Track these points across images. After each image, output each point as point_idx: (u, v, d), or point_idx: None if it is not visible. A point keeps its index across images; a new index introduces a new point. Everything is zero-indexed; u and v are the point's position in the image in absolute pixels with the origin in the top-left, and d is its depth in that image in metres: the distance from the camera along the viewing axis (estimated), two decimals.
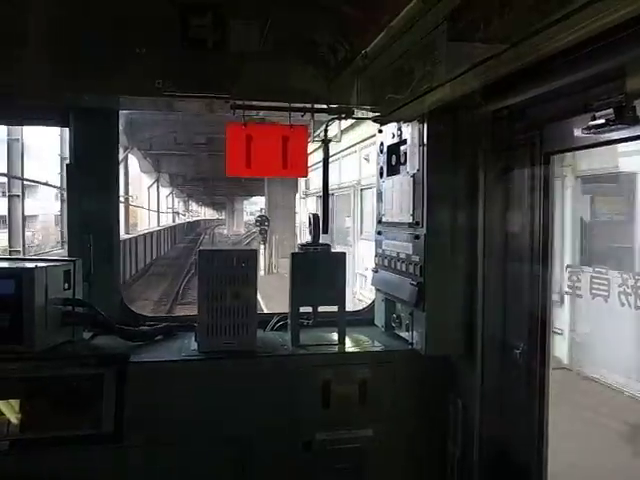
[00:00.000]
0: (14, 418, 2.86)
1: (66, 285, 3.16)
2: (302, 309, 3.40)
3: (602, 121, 2.04)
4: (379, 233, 3.65)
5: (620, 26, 1.65)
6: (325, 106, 3.77)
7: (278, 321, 3.67)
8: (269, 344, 3.36)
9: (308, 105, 3.73)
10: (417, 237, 3.01)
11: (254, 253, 3.22)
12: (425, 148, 2.97)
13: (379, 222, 3.65)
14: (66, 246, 3.62)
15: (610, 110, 2.01)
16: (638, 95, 1.91)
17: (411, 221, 3.08)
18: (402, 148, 3.26)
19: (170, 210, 59.45)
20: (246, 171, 3.86)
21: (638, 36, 1.71)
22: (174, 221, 59.88)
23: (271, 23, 3.46)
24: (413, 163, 3.08)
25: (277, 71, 3.65)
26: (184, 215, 69.93)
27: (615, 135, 2.05)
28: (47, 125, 3.54)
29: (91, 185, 3.52)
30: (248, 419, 3.09)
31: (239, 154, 3.69)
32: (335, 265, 3.33)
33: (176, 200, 66.45)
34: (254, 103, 3.69)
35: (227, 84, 3.54)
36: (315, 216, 3.45)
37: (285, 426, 3.14)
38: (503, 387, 2.85)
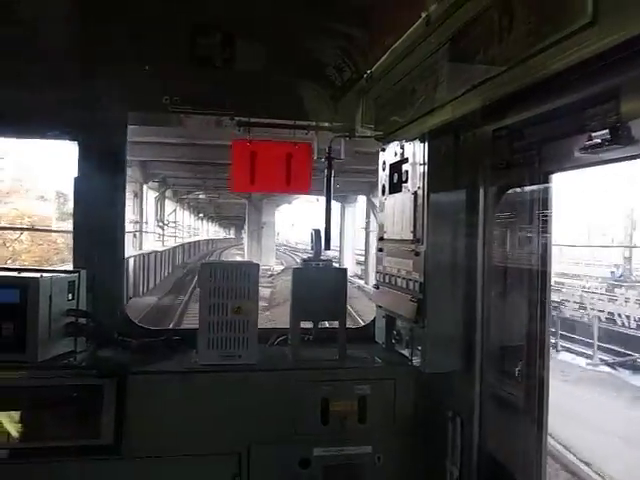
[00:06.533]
0: (14, 427, 2.87)
1: (70, 296, 3.20)
2: (303, 325, 3.43)
3: (598, 141, 2.08)
4: (380, 250, 3.68)
5: (613, 49, 1.70)
6: (329, 124, 3.85)
7: (279, 336, 3.68)
8: (269, 359, 3.37)
9: (313, 123, 3.82)
10: (417, 254, 3.04)
11: (256, 267, 3.25)
12: (426, 167, 3.01)
13: (380, 239, 3.68)
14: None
15: (606, 131, 2.05)
16: (632, 116, 1.95)
17: (412, 238, 3.12)
18: (404, 166, 3.31)
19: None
20: (250, 187, 3.94)
21: (630, 59, 1.76)
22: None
23: (278, 43, 3.55)
24: (414, 181, 3.13)
25: (283, 90, 3.74)
26: (159, 234, 38.69)
27: (611, 155, 2.08)
28: (56, 139, 3.61)
29: (98, 198, 3.58)
30: (246, 433, 3.10)
31: (244, 170, 3.77)
32: (336, 280, 3.36)
33: (150, 204, 36.96)
34: (259, 120, 3.78)
35: (233, 102, 3.62)
36: (317, 231, 3.50)
37: (283, 441, 3.14)
38: (502, 405, 2.85)
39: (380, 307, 3.64)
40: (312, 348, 3.48)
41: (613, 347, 19.74)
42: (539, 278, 2.60)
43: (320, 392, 3.18)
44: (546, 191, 2.54)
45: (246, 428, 3.09)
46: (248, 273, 3.17)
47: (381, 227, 3.72)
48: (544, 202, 2.55)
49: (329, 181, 3.79)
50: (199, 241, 61.25)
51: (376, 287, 3.69)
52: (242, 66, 3.53)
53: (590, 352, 19.45)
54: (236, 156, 3.78)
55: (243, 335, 3.17)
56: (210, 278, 3.13)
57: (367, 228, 34.99)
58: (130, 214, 28.68)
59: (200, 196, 46.25)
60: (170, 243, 40.70)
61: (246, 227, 44.61)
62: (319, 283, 3.33)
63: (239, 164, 3.78)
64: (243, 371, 3.15)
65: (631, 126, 1.96)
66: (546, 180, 2.53)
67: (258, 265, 3.30)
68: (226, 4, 3.23)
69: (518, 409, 2.72)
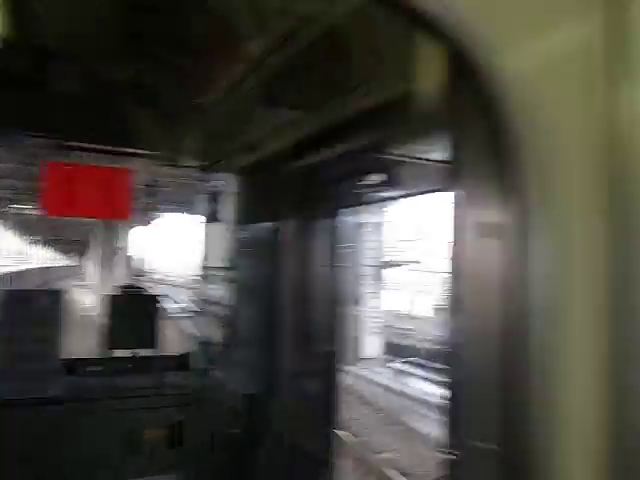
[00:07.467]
0: None
1: None
2: (119, 353, 3.34)
3: (375, 182, 2.41)
4: (203, 277, 3.76)
5: (377, 108, 2.01)
6: (154, 152, 3.85)
7: (90, 365, 3.53)
8: (77, 390, 3.22)
9: (138, 151, 3.79)
10: (228, 281, 3.17)
11: (58, 294, 3.11)
12: (239, 199, 3.18)
13: (201, 267, 3.76)
14: None
15: (382, 174, 2.38)
16: (399, 163, 2.29)
17: (224, 266, 3.24)
18: (221, 198, 3.45)
19: None
20: (68, 211, 3.77)
21: (391, 117, 2.08)
22: None
23: (102, 67, 3.50)
24: (229, 212, 3.27)
25: (106, 114, 3.67)
26: None
27: (384, 195, 2.42)
28: None
29: None
30: (50, 468, 2.91)
31: (59, 194, 3.62)
32: (150, 308, 3.35)
33: None
34: (79, 144, 3.66)
35: (51, 124, 3.48)
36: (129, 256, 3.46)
37: (93, 475, 3.00)
38: (302, 419, 3.05)
39: (195, 335, 3.69)
40: (128, 377, 3.40)
41: None
42: (334, 300, 2.87)
43: (134, 420, 3.11)
44: (335, 223, 2.83)
45: (50, 463, 2.90)
46: (49, 300, 3.02)
47: (205, 255, 3.80)
48: (333, 233, 2.84)
49: (152, 209, 3.80)
50: (26, 270, 51.87)
51: (193, 314, 3.75)
52: (60, 87, 3.41)
53: None
54: (51, 179, 3.62)
55: (46, 366, 3.00)
56: (5, 307, 2.92)
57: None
58: None
59: (26, 212, 35.89)
60: None
61: (95, 253, 35.10)
62: (131, 311, 3.29)
63: (54, 187, 3.62)
64: (46, 404, 2.98)
65: (395, 172, 2.31)
66: (335, 215, 2.82)
67: (60, 291, 3.16)
68: (38, 21, 3.14)
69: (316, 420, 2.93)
